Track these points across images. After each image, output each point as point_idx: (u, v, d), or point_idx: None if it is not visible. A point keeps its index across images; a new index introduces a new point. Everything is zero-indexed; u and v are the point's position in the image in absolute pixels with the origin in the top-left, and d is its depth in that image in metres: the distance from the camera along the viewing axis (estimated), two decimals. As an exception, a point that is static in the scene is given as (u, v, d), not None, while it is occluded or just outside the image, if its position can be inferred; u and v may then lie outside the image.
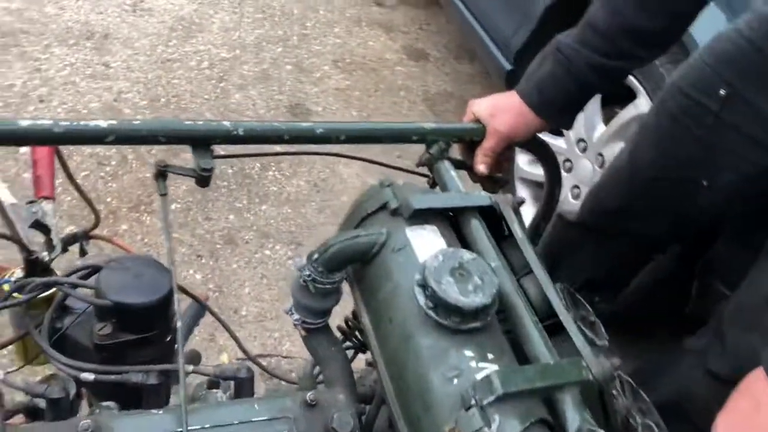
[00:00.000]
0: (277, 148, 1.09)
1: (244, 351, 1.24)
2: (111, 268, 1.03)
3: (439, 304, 0.89)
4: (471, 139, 1.19)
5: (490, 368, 0.87)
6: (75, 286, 1.02)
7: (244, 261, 2.33)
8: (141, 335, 1.01)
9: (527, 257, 1.02)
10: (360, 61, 3.48)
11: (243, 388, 1.04)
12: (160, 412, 0.84)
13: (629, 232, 1.64)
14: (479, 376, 0.86)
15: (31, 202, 1.18)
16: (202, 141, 1.01)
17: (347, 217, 1.13)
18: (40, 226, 1.15)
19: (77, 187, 1.25)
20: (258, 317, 2.15)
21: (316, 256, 1.04)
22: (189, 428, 0.77)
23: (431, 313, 0.90)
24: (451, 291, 0.89)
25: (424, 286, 0.91)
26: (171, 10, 3.42)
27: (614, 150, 2.18)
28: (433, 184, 1.20)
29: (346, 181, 2.76)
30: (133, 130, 0.97)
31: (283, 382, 1.28)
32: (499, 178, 1.20)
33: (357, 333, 1.32)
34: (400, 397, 0.89)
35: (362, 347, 1.30)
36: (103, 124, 0.94)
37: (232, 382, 1.11)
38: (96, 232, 1.32)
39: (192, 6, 3.48)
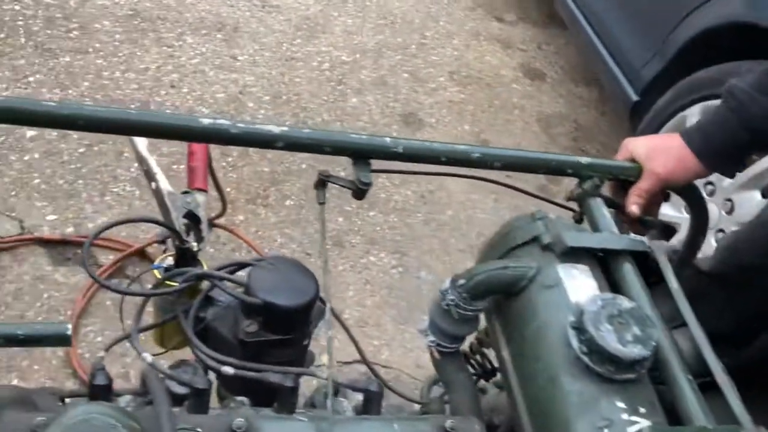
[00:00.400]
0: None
1: (367, 362, 1.25)
2: (261, 267, 1.06)
3: (595, 350, 0.87)
4: (625, 179, 1.16)
5: (642, 423, 0.85)
6: (228, 280, 1.05)
7: (350, 264, 2.35)
8: (284, 336, 1.03)
9: (682, 310, 0.99)
10: (476, 75, 3.46)
11: (372, 402, 1.04)
12: (305, 419, 0.86)
13: (764, 287, 1.57)
14: (631, 430, 0.84)
15: (186, 192, 1.22)
16: (363, 154, 1.02)
17: (492, 244, 1.12)
18: (191, 216, 1.19)
19: (215, 179, 1.29)
20: (359, 322, 2.17)
21: (462, 282, 1.04)
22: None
23: (585, 358, 0.88)
24: (610, 339, 0.86)
25: (579, 329, 0.89)
26: (297, 8, 3.50)
27: (745, 198, 2.08)
28: (579, 220, 1.17)
29: (452, 196, 2.75)
30: (301, 137, 0.99)
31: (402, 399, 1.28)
32: (650, 221, 1.17)
33: (479, 360, 1.30)
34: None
35: (485, 375, 1.28)
36: (275, 129, 0.97)
37: (357, 394, 1.12)
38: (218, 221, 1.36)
39: (318, 6, 3.55)
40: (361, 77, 3.21)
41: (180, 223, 1.16)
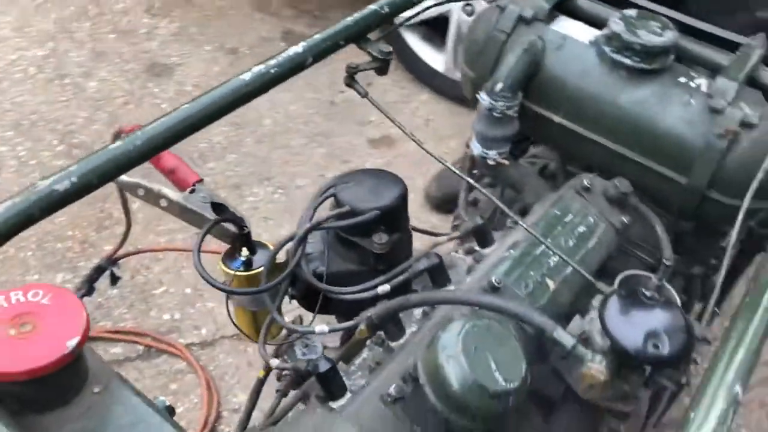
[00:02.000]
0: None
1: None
2: (344, 188, 1.06)
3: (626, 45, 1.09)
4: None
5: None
6: (331, 218, 1.04)
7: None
8: (402, 230, 1.07)
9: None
10: None
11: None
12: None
13: None
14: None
15: (192, 191, 1.13)
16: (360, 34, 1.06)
17: (479, 50, 1.22)
18: (218, 206, 1.12)
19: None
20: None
21: (499, 86, 1.15)
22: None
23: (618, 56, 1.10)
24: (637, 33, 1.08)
25: (609, 37, 1.09)
26: None
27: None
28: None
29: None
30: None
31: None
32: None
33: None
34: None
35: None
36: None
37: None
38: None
39: None
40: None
41: (211, 215, 1.10)
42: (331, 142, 2.62)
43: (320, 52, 1.02)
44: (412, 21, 1.26)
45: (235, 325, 1.21)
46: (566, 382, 0.86)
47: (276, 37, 3.10)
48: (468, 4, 2.63)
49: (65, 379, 0.66)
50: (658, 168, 1.13)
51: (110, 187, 0.93)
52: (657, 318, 0.75)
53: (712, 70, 1.13)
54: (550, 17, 1.21)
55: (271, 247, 1.13)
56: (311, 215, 1.08)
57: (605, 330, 0.73)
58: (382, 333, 0.95)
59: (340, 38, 1.04)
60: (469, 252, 1.15)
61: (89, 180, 0.77)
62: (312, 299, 1.11)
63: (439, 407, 0.71)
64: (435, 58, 2.82)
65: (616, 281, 0.85)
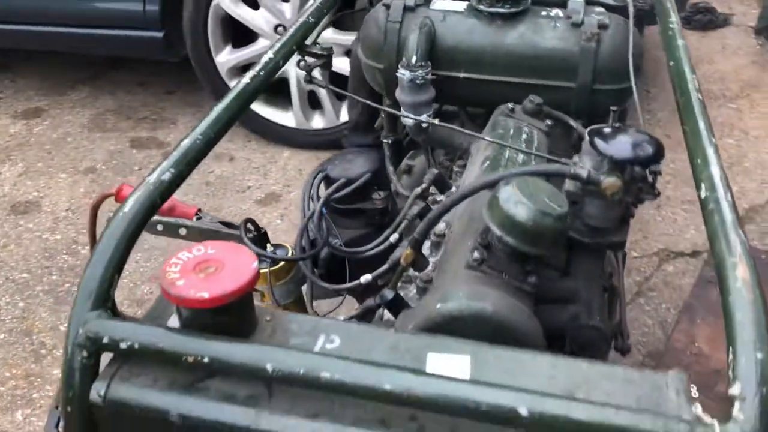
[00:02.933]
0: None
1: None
2: (331, 168, 1.26)
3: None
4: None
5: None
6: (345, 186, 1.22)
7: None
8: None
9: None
10: None
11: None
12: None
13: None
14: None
15: (199, 218, 1.26)
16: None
17: (376, 49, 1.47)
18: (226, 223, 1.26)
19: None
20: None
21: (414, 59, 1.41)
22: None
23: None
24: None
25: None
26: None
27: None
28: None
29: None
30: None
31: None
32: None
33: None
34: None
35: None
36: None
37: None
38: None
39: None
40: None
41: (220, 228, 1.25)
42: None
43: (286, 53, 1.21)
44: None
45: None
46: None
47: (125, 147, 3.17)
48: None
49: (246, 307, 0.78)
50: (551, 82, 1.44)
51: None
52: (631, 136, 1.02)
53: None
54: (427, 2, 1.50)
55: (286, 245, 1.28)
56: (312, 195, 1.25)
57: (602, 153, 0.99)
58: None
59: (291, 44, 1.24)
60: (435, 202, 1.37)
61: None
62: (336, 271, 1.27)
63: (515, 245, 0.92)
64: (284, 117, 3.06)
65: (586, 132, 1.11)
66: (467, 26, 1.47)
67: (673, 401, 0.70)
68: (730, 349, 0.69)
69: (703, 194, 0.87)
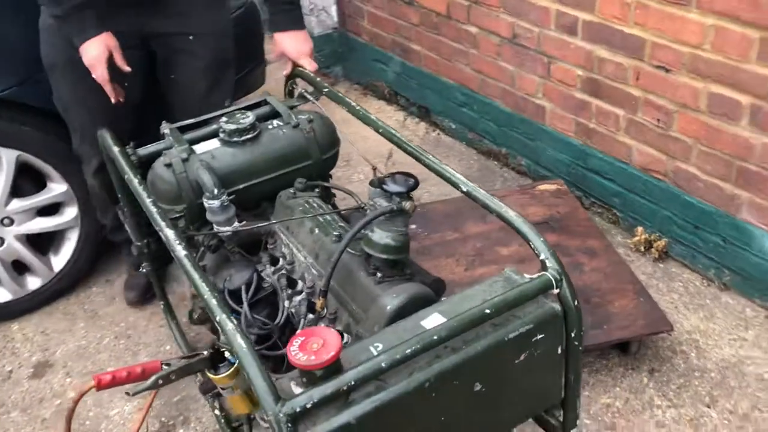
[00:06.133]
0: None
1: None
2: (224, 282, 1.79)
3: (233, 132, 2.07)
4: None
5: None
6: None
7: None
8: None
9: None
10: None
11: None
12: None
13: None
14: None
15: (168, 364, 1.69)
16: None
17: (174, 196, 2.02)
18: (189, 355, 1.72)
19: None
20: None
21: (215, 190, 1.98)
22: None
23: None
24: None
25: (223, 131, 2.07)
26: None
27: None
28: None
29: None
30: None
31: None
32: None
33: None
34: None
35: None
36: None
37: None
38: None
39: None
40: None
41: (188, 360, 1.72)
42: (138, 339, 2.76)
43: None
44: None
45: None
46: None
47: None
48: None
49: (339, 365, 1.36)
50: (297, 166, 2.18)
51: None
52: (401, 177, 1.81)
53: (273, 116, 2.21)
54: (191, 153, 2.06)
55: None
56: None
57: (390, 192, 1.75)
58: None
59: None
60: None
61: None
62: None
63: (394, 258, 1.67)
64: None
65: (370, 183, 1.86)
66: (229, 154, 2.09)
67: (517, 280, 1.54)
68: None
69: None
